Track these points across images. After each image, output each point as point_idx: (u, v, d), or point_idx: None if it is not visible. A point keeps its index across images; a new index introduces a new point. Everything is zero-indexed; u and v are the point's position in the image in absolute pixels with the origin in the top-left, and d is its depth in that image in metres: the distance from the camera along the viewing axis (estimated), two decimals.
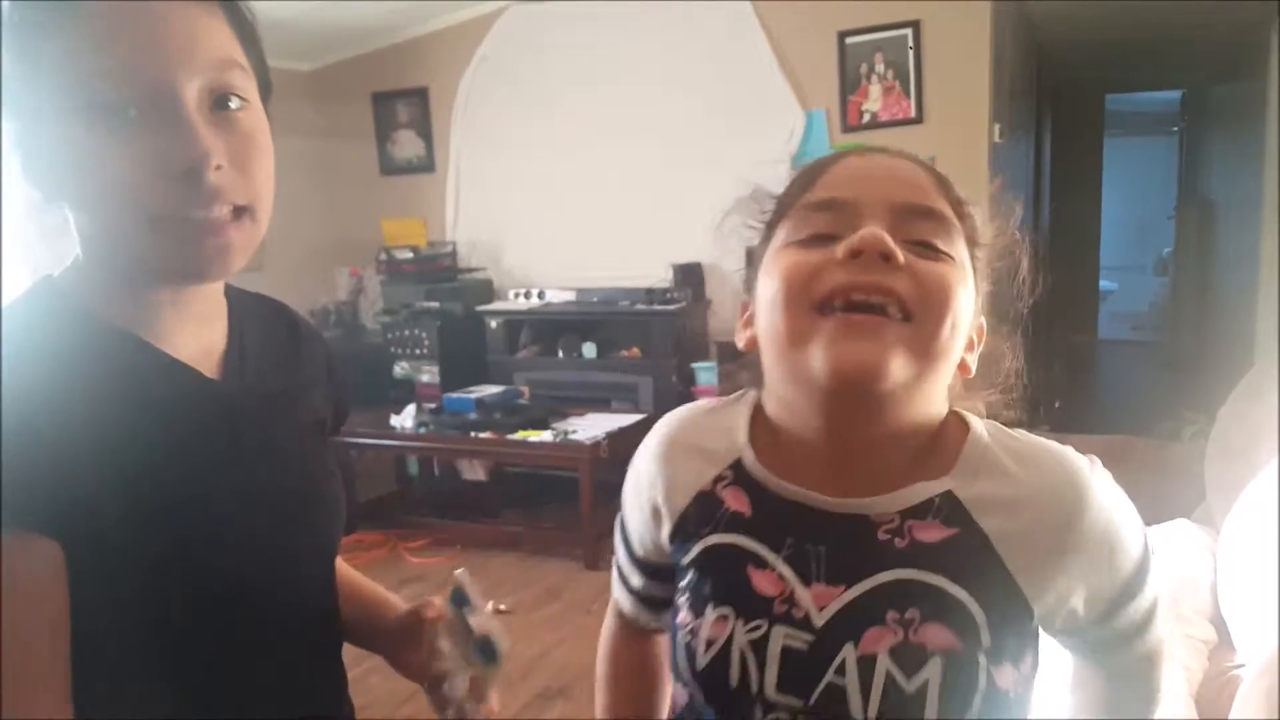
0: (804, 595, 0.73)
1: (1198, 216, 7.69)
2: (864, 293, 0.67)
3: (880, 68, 4.46)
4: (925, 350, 0.69)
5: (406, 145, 5.55)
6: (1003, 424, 0.80)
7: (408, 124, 5.51)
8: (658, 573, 0.89)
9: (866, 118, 4.52)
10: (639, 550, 0.90)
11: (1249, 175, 5.17)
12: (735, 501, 0.78)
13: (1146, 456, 2.92)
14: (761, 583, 0.74)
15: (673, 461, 0.84)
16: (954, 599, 0.71)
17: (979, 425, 0.78)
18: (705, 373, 4.61)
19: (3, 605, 0.68)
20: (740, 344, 0.83)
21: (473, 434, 4.35)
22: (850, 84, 4.52)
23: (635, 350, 4.80)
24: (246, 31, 0.79)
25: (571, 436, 4.13)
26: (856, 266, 0.67)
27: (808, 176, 0.78)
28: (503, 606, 3.60)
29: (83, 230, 0.78)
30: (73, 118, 0.71)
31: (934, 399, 0.76)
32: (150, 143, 0.71)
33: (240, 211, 0.76)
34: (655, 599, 0.91)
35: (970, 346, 0.78)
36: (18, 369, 0.71)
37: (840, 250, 0.68)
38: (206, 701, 0.81)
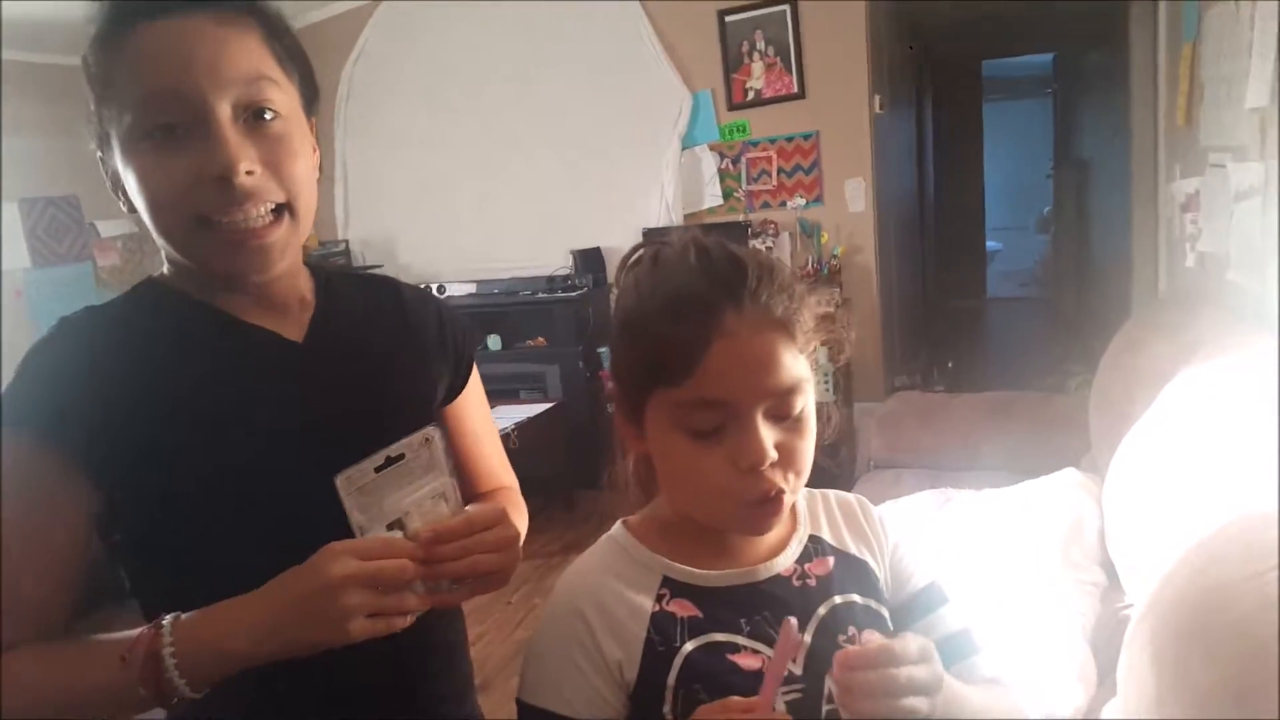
0: None
1: (1074, 176, 7.98)
2: (764, 496, 0.82)
3: (761, 45, 4.51)
4: (801, 485, 0.86)
5: None
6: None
7: None
8: None
9: (751, 95, 4.57)
10: (587, 711, 0.86)
11: (1118, 136, 5.39)
12: (683, 609, 0.86)
13: (1034, 409, 3.04)
14: (745, 661, 0.84)
15: (605, 609, 0.87)
16: (863, 605, 0.90)
17: None
18: None
19: (25, 523, 0.83)
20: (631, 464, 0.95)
21: None
22: (733, 62, 4.56)
23: (540, 339, 4.78)
24: (284, 46, 0.90)
25: None
26: (753, 474, 0.81)
27: (681, 358, 0.81)
28: None
29: (159, 238, 0.88)
30: (141, 143, 0.83)
31: None
32: (192, 154, 0.83)
33: (280, 210, 0.87)
34: None
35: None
36: (90, 338, 0.87)
37: (741, 465, 0.81)
38: None
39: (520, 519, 1.14)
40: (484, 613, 3.51)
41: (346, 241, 5.32)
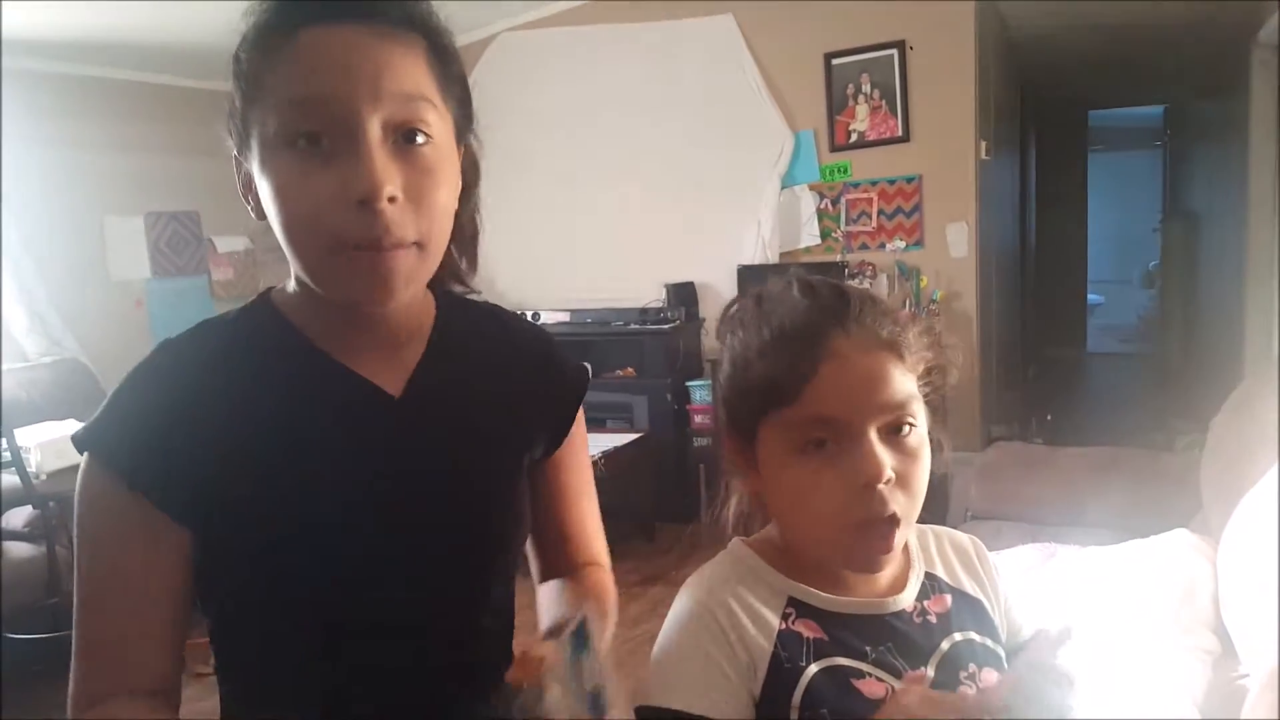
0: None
1: (1183, 229, 7.75)
2: (878, 516, 0.81)
3: (867, 88, 4.50)
4: (915, 514, 0.85)
5: None
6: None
7: None
8: None
9: (854, 137, 4.56)
10: (731, 710, 0.85)
11: (1232, 187, 5.23)
12: (810, 630, 0.86)
13: (1140, 467, 2.93)
14: (869, 689, 0.84)
15: (735, 616, 0.86)
16: (981, 643, 0.90)
17: None
18: (699, 390, 4.62)
19: (121, 569, 0.80)
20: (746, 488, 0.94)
21: None
22: (838, 104, 4.57)
23: (630, 370, 4.80)
24: (447, 68, 0.84)
25: None
26: (869, 492, 0.81)
27: (791, 379, 0.82)
28: None
29: (288, 251, 0.82)
30: (282, 151, 0.77)
31: None
32: (335, 172, 0.76)
33: (410, 245, 0.79)
34: None
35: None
36: (180, 375, 0.83)
37: (858, 482, 0.80)
38: (323, 686, 0.85)
39: (610, 615, 1.04)
40: None
41: None
